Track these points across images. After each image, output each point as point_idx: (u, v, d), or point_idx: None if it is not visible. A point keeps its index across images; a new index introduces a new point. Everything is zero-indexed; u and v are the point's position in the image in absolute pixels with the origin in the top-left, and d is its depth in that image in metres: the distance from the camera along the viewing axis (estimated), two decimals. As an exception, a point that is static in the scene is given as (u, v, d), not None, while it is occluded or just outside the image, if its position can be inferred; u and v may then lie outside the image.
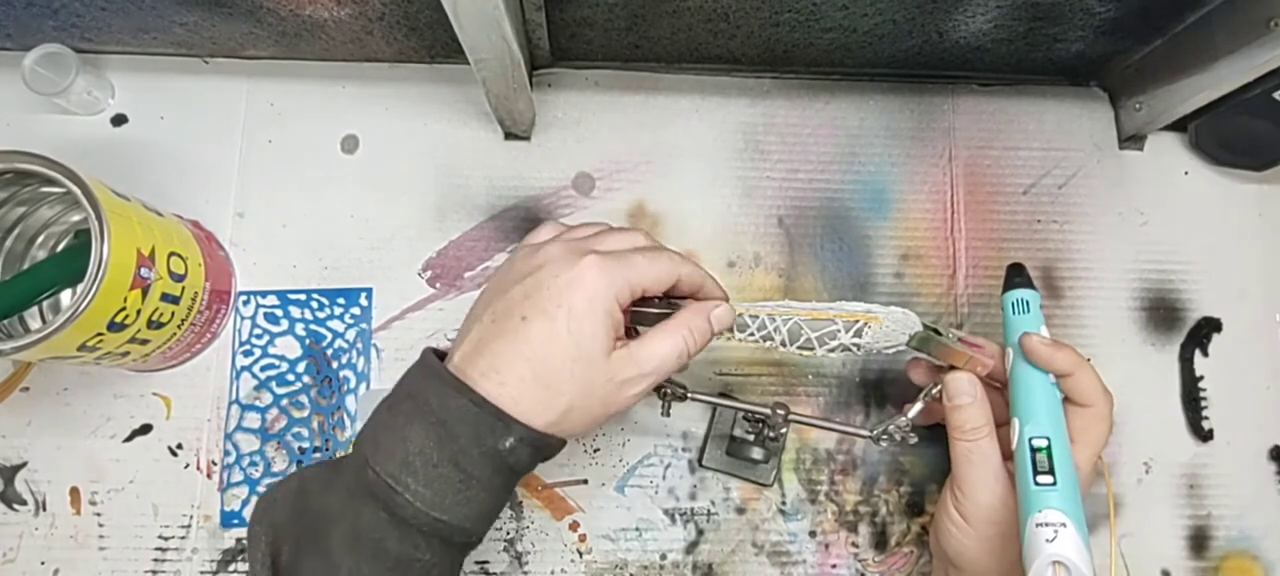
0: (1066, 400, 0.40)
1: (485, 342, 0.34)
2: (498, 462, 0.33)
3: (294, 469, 0.48)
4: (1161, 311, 0.53)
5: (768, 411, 0.43)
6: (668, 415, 0.40)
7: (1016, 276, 0.43)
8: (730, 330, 0.39)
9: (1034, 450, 0.38)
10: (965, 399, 0.41)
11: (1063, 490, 0.36)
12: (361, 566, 0.32)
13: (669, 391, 0.41)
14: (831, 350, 0.39)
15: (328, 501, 0.33)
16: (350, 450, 0.35)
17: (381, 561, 0.32)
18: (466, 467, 0.32)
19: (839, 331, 0.38)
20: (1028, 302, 0.42)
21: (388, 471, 0.32)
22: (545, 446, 0.34)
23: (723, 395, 0.45)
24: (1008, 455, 0.40)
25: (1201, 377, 0.52)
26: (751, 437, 0.45)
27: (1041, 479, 0.37)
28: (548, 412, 0.33)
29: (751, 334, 0.40)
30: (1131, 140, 0.55)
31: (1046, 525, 0.35)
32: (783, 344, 0.39)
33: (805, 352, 0.40)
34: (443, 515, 0.32)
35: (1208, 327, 0.53)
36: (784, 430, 0.44)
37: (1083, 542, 0.35)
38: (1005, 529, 0.39)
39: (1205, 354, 0.52)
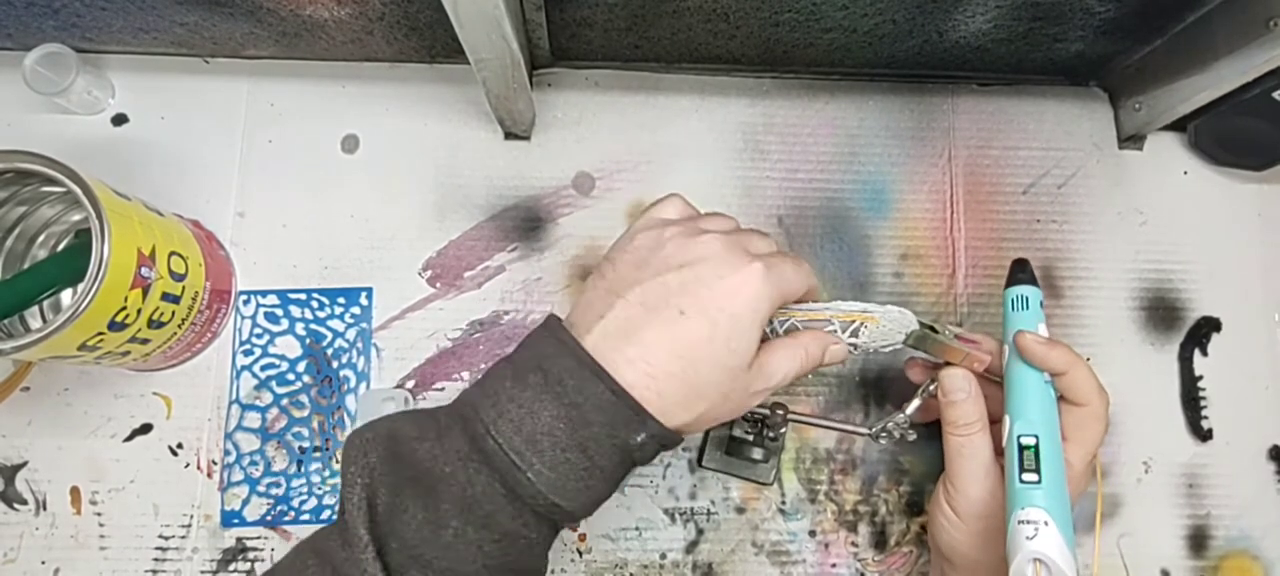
0: (1061, 398, 0.40)
1: (635, 327, 0.32)
2: (624, 454, 0.32)
3: (294, 468, 0.48)
4: (1161, 311, 0.53)
5: (766, 411, 0.43)
6: None
7: (1020, 272, 0.43)
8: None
9: (1022, 448, 0.38)
10: (960, 395, 0.41)
11: (1047, 488, 0.36)
12: (468, 531, 0.30)
13: None
14: None
15: (434, 456, 0.31)
16: (456, 402, 0.33)
17: (490, 531, 0.31)
18: (593, 455, 0.31)
19: (836, 331, 0.38)
20: (1028, 299, 0.42)
21: (513, 446, 0.30)
22: (671, 443, 0.33)
23: None
24: (1001, 451, 0.40)
25: (1201, 377, 0.52)
26: (751, 437, 0.45)
27: (1026, 476, 0.37)
28: (686, 414, 0.32)
29: None
30: (1131, 140, 0.55)
31: (1028, 522, 0.35)
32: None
33: None
34: (561, 500, 0.31)
35: (1207, 327, 0.53)
36: (783, 430, 0.44)
37: (1065, 541, 0.35)
38: (996, 523, 0.39)
39: (1205, 353, 0.53)
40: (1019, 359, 0.40)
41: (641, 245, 0.35)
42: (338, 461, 0.48)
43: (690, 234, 0.34)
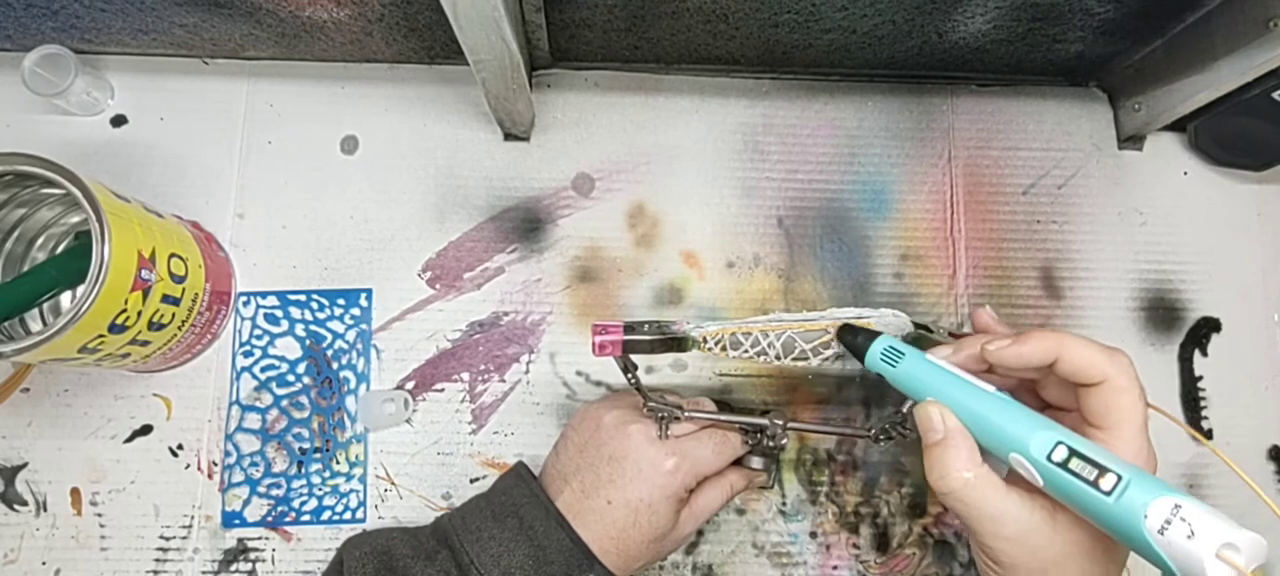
0: (1052, 407, 0.35)
1: (577, 512, 0.40)
2: None
3: (295, 469, 0.48)
4: (1161, 311, 0.53)
5: (765, 423, 0.43)
6: (665, 437, 0.41)
7: (854, 335, 0.38)
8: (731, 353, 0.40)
9: (1062, 465, 0.29)
10: (935, 435, 0.33)
11: (1130, 473, 0.28)
12: None
13: (665, 414, 0.41)
14: (826, 359, 0.39)
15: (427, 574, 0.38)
16: (437, 528, 0.41)
17: None
18: None
19: (832, 340, 0.38)
20: (893, 347, 0.36)
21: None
22: None
23: (721, 404, 0.45)
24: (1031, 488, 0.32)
25: (1201, 377, 0.52)
26: (750, 445, 0.45)
27: (1104, 483, 0.28)
28: (625, 567, 0.40)
29: (745, 352, 0.40)
30: (1131, 140, 0.55)
31: (1165, 523, 0.26)
32: (777, 358, 0.39)
33: (800, 363, 0.40)
34: None
35: (1207, 327, 0.53)
36: (784, 440, 0.44)
37: (1206, 508, 0.27)
38: (1049, 554, 0.31)
39: (1204, 354, 0.53)
40: (962, 391, 0.33)
41: (588, 429, 0.42)
42: (338, 463, 0.48)
43: (620, 426, 0.41)
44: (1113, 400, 0.31)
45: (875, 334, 0.37)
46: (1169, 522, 0.26)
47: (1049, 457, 0.30)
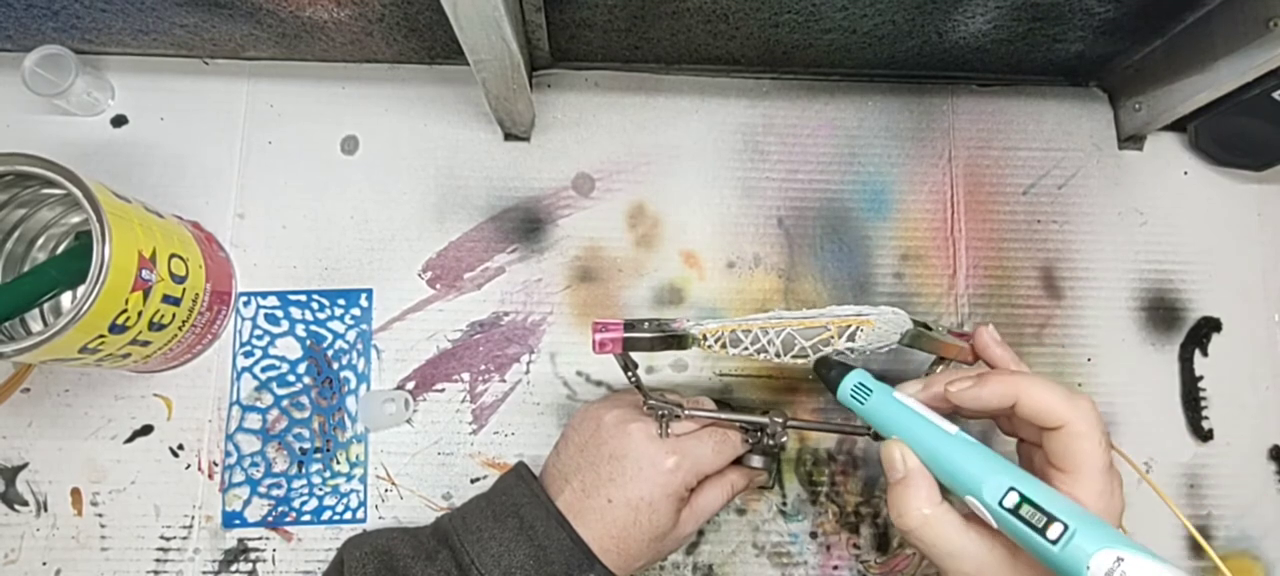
0: (1025, 442, 0.36)
1: (578, 512, 0.40)
2: None
3: (295, 469, 0.48)
4: (1161, 311, 0.53)
5: (765, 422, 0.43)
6: (665, 436, 0.41)
7: (829, 369, 0.38)
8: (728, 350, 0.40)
9: (1013, 511, 0.30)
10: (897, 473, 0.33)
11: (1078, 521, 0.28)
12: None
13: (665, 412, 0.41)
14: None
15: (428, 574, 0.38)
16: (437, 528, 0.40)
17: None
18: None
19: (832, 337, 0.38)
20: (863, 383, 0.36)
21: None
22: None
23: (721, 403, 0.45)
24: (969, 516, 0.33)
25: (1201, 377, 0.52)
26: (751, 444, 0.45)
27: (1052, 532, 0.28)
28: (626, 567, 0.40)
29: (745, 349, 0.40)
30: (1131, 140, 0.55)
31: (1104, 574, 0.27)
32: (777, 355, 0.39)
33: (800, 361, 0.40)
34: None
35: (1207, 327, 0.53)
36: (784, 438, 0.44)
37: (1149, 555, 0.27)
38: None
39: (1205, 354, 0.53)
40: (929, 430, 0.33)
41: (587, 428, 0.42)
42: (338, 463, 0.48)
43: (620, 424, 0.41)
44: (1072, 445, 0.31)
45: (849, 367, 0.38)
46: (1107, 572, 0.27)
47: (1001, 503, 0.30)
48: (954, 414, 0.36)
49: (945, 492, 0.33)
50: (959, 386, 0.34)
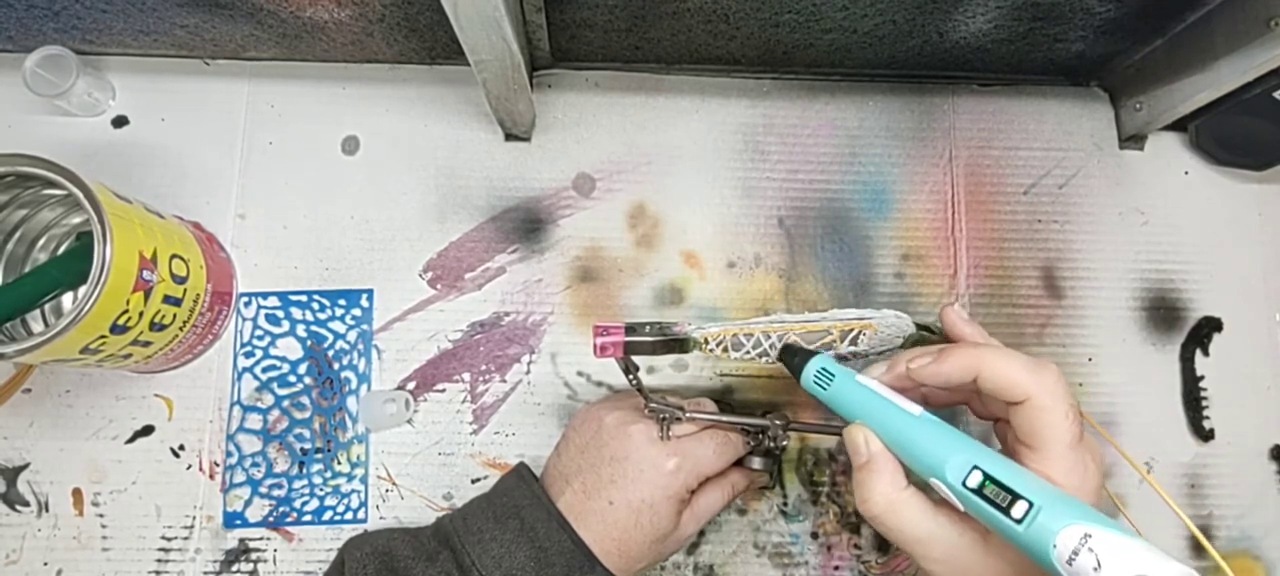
0: (999, 421, 0.35)
1: (579, 514, 0.40)
2: None
3: (296, 469, 0.48)
4: (1162, 311, 0.53)
5: (766, 423, 0.43)
6: (666, 438, 0.41)
7: (792, 355, 0.37)
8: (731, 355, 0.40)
9: (977, 491, 0.28)
10: (860, 456, 0.33)
11: (1042, 497, 0.27)
12: None
13: (666, 414, 0.41)
14: None
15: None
16: (438, 529, 0.40)
17: None
18: None
19: (835, 341, 0.38)
20: (826, 368, 0.35)
21: None
22: None
23: (722, 405, 0.45)
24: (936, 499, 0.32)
25: (1202, 377, 0.52)
26: (751, 446, 0.45)
27: (1016, 509, 0.27)
28: (626, 568, 0.40)
29: (747, 353, 0.40)
30: (1132, 140, 0.55)
31: (1073, 553, 0.25)
32: (778, 359, 0.39)
33: None
34: None
35: (1208, 327, 0.53)
36: (785, 440, 0.44)
37: (1118, 530, 0.25)
38: (975, 568, 0.31)
39: (1206, 353, 0.52)
40: (892, 412, 0.32)
41: (588, 430, 0.42)
42: (339, 463, 0.48)
43: (621, 426, 0.41)
44: (1037, 419, 0.30)
45: (811, 353, 0.37)
46: (1076, 553, 0.25)
47: (964, 483, 0.29)
48: (925, 399, 0.35)
49: (916, 479, 0.32)
50: (919, 362, 0.33)
